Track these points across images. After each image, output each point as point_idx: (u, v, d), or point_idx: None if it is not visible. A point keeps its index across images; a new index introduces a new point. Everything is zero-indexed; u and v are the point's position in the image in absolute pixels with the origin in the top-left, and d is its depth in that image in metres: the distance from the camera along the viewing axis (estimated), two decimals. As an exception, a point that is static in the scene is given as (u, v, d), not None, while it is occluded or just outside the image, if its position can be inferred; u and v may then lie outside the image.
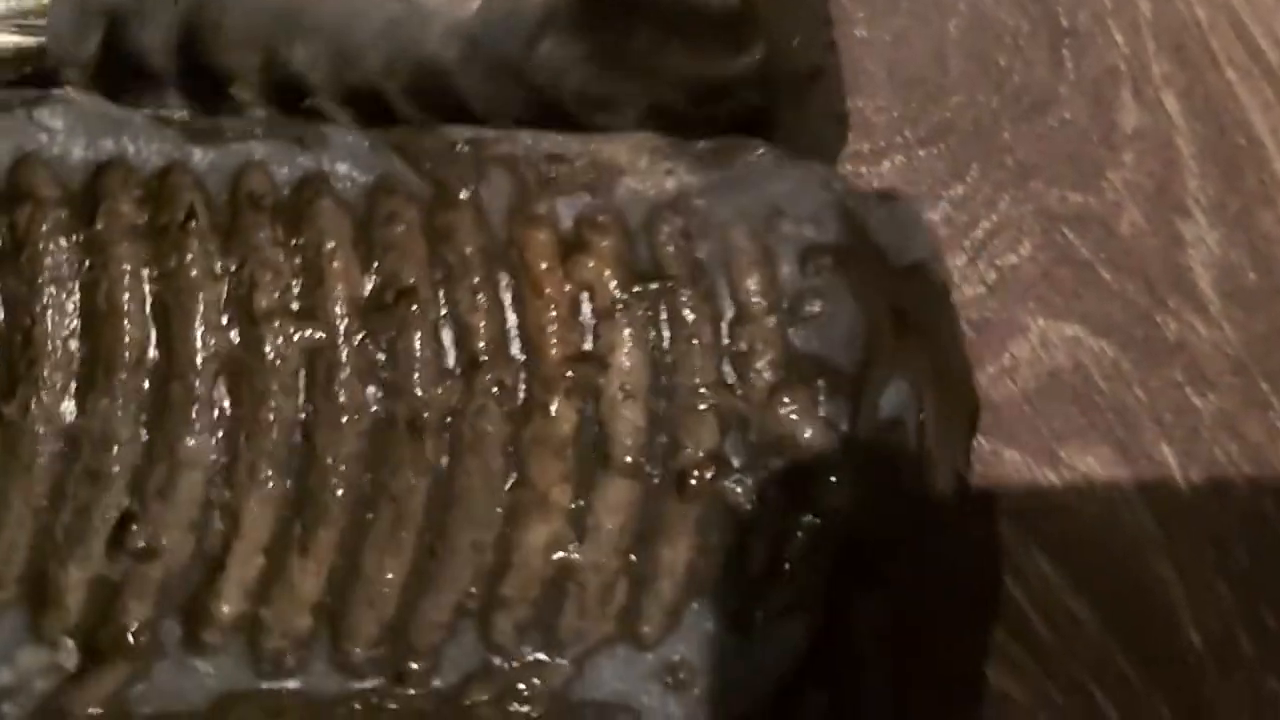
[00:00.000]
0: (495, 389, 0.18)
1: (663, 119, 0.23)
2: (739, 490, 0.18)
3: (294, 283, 0.18)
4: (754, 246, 0.19)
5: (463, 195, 0.19)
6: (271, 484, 0.17)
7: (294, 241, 0.18)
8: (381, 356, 0.18)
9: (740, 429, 0.18)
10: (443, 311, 0.18)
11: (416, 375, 0.18)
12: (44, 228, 0.18)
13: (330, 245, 0.18)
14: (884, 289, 0.20)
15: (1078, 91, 0.28)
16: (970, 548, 0.24)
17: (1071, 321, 0.26)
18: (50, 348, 0.17)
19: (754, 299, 0.19)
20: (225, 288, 0.18)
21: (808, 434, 0.18)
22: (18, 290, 0.17)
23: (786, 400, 0.18)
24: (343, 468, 0.17)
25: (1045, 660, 0.24)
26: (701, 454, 0.18)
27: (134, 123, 0.18)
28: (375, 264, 0.19)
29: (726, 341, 0.19)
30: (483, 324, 0.18)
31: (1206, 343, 0.26)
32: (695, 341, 0.19)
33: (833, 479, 0.18)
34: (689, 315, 0.19)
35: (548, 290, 0.19)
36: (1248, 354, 0.26)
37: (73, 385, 0.17)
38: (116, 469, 0.17)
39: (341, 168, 0.19)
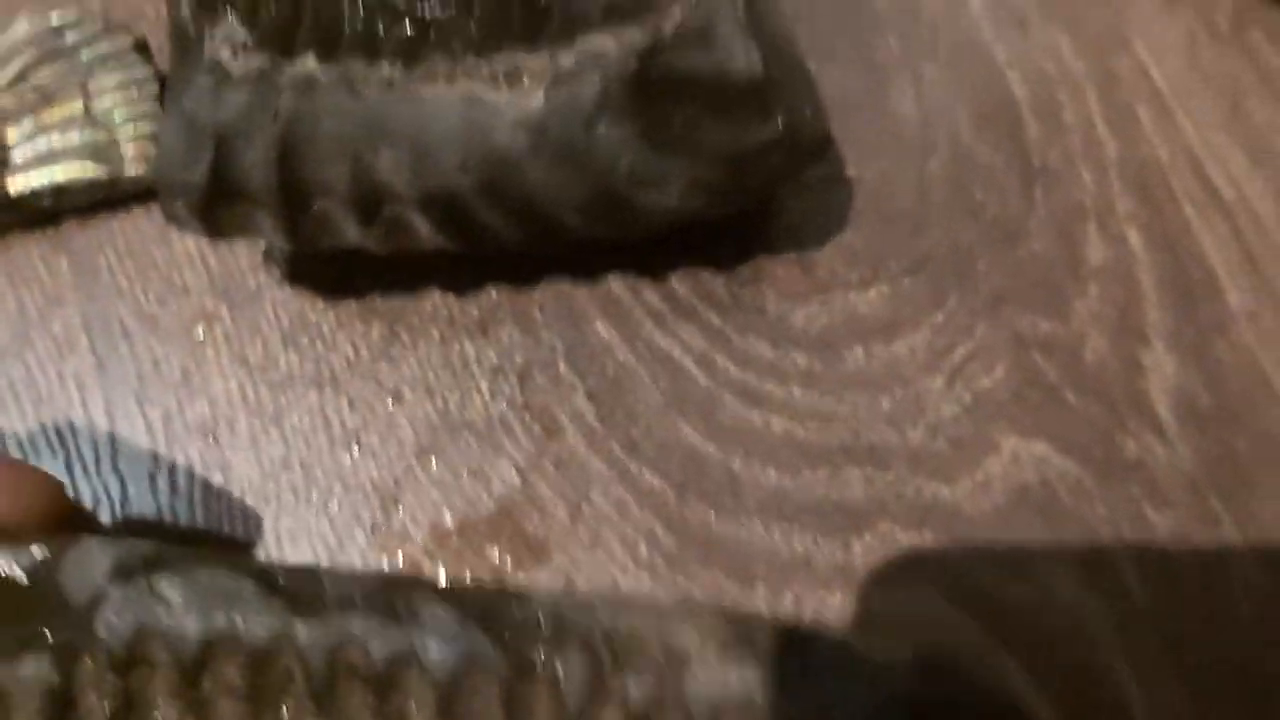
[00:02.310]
0: None
1: (702, 192, 0.28)
2: None
3: None
4: None
5: (540, 671, 0.21)
6: None
7: (384, 709, 0.21)
8: None
9: None
10: None
11: None
12: (154, 689, 0.21)
13: (416, 715, 0.21)
14: None
15: (1047, 225, 0.32)
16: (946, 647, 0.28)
17: (1040, 440, 0.30)
18: None
19: None
20: None
21: None
22: None
23: None
24: None
25: (1014, 754, 0.27)
26: None
27: (243, 595, 0.21)
28: None
29: None
30: None
31: (1163, 462, 0.30)
32: None
33: None
34: None
35: None
36: (1201, 473, 0.30)
37: None
38: None
39: (431, 644, 0.21)
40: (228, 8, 0.25)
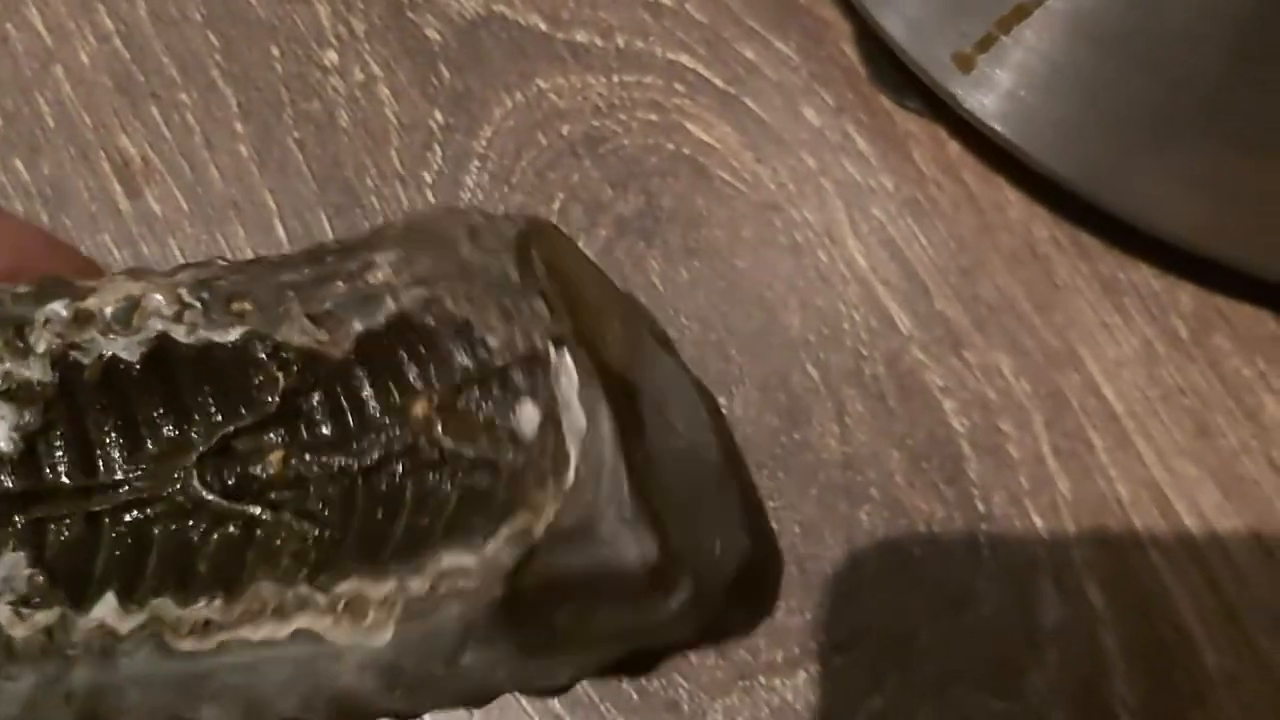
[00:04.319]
0: None
1: (596, 669, 0.26)
2: None
3: None
4: None
5: None
6: None
7: None
8: None
9: None
10: None
11: None
12: None
13: None
14: None
15: (996, 585, 0.30)
16: None
17: None
18: None
19: None
20: None
21: None
22: None
23: None
24: None
25: None
26: None
27: None
28: None
29: None
30: None
31: None
32: None
33: None
34: None
35: None
36: None
37: None
38: None
39: None
40: (9, 539, 0.23)
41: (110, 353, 0.23)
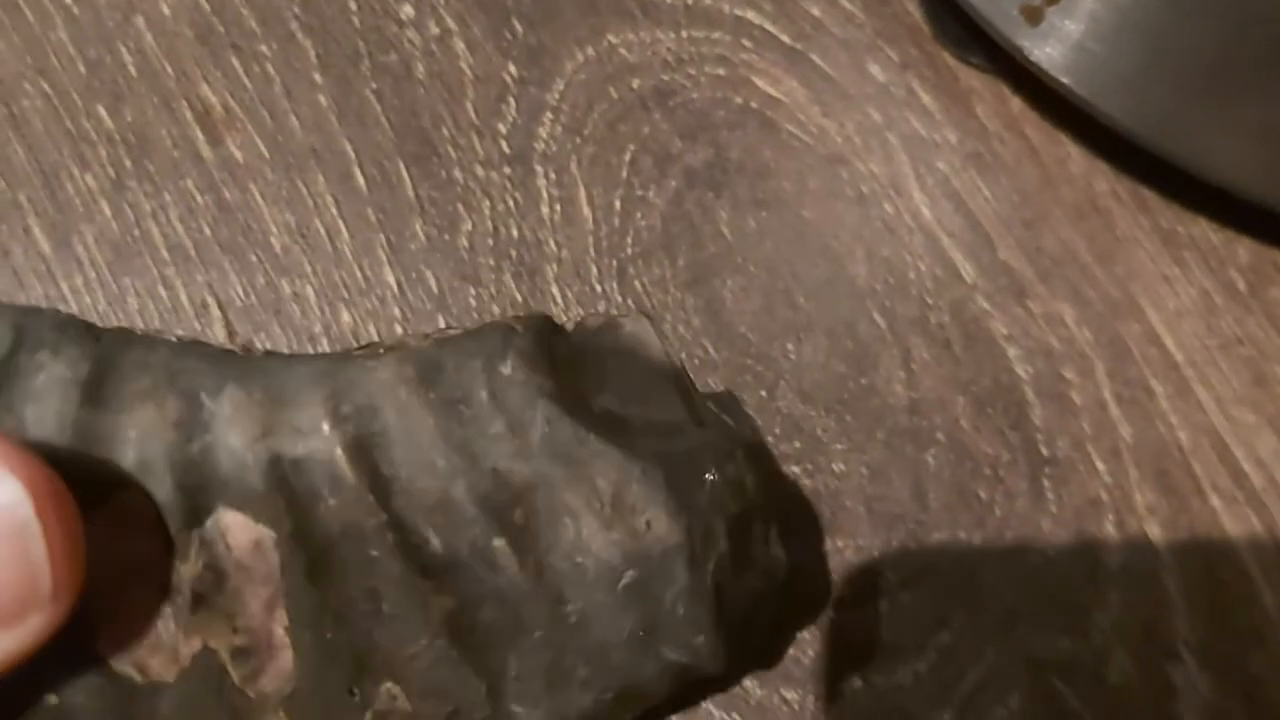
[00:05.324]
0: None
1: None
2: None
3: None
4: None
5: None
6: None
7: None
8: None
9: None
10: None
11: None
12: None
13: None
14: None
15: (1060, 527, 0.31)
16: None
17: (1064, 782, 0.28)
18: None
19: None
20: None
21: None
22: None
23: None
24: None
25: None
26: None
27: None
28: None
29: None
30: None
31: (1204, 800, 0.28)
32: None
33: None
34: None
35: None
36: (1248, 812, 0.28)
37: None
38: None
39: None
40: None
41: None
